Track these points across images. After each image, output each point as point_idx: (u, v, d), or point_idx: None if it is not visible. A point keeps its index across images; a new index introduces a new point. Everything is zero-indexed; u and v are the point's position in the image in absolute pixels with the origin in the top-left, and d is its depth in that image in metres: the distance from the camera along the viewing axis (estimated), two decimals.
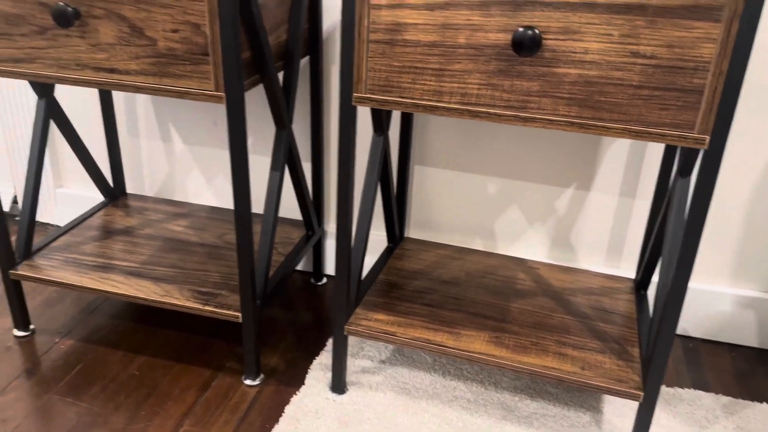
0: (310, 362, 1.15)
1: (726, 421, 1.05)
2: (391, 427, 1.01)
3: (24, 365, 1.13)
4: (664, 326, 0.88)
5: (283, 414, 1.03)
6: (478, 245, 1.32)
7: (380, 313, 1.05)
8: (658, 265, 1.13)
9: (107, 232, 1.26)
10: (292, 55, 1.07)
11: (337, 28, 1.21)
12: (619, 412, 1.06)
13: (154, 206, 1.37)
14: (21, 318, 1.19)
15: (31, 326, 1.22)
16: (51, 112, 1.17)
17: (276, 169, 1.08)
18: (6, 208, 1.60)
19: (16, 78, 0.95)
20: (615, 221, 1.22)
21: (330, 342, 1.20)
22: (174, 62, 0.88)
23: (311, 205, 1.26)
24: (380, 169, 1.06)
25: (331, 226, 1.38)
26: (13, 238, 1.20)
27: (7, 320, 1.23)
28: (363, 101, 0.85)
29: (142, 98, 1.37)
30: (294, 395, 1.07)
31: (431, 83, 0.82)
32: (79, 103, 1.40)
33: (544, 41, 0.76)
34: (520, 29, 0.75)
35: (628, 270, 1.26)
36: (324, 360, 1.15)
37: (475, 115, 0.82)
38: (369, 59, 0.83)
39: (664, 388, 1.12)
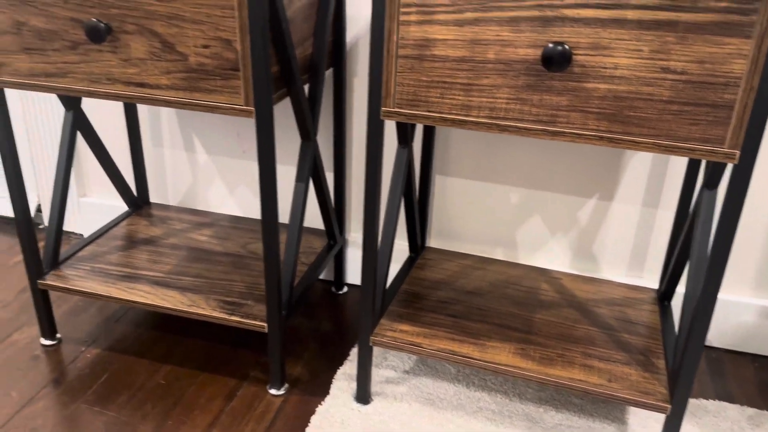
0: (334, 372, 1.16)
1: None
2: None
3: (51, 374, 1.14)
4: (691, 339, 0.88)
5: (309, 424, 1.04)
6: (499, 255, 1.32)
7: (405, 324, 1.06)
8: (683, 276, 1.13)
9: (132, 242, 1.27)
10: (318, 67, 1.08)
11: (360, 40, 1.21)
12: (644, 424, 1.06)
13: (177, 215, 1.39)
14: (48, 327, 1.20)
15: (58, 335, 1.23)
16: (78, 124, 1.19)
17: (301, 180, 1.09)
18: None
19: (48, 92, 0.96)
20: (638, 231, 1.22)
21: (353, 352, 1.21)
22: (204, 77, 0.89)
23: (334, 215, 1.27)
24: (405, 180, 1.06)
25: (352, 236, 1.38)
26: (39, 246, 1.21)
27: (34, 329, 1.25)
28: (391, 115, 0.86)
29: (166, 109, 1.39)
30: (319, 405, 1.08)
31: (460, 98, 0.82)
32: (104, 113, 1.42)
33: (573, 56, 0.76)
34: (550, 45, 0.76)
35: (651, 280, 1.26)
36: (348, 370, 1.16)
37: (503, 129, 0.82)
38: (397, 74, 0.84)
39: (689, 400, 1.12)
